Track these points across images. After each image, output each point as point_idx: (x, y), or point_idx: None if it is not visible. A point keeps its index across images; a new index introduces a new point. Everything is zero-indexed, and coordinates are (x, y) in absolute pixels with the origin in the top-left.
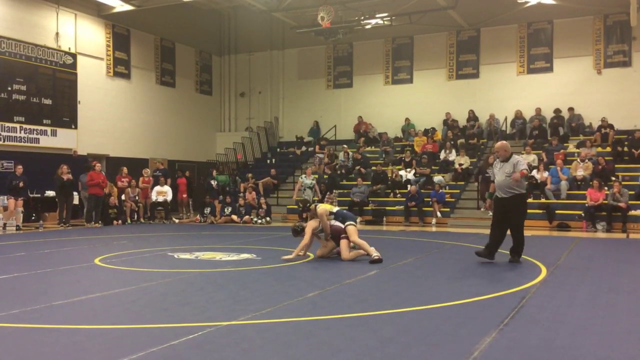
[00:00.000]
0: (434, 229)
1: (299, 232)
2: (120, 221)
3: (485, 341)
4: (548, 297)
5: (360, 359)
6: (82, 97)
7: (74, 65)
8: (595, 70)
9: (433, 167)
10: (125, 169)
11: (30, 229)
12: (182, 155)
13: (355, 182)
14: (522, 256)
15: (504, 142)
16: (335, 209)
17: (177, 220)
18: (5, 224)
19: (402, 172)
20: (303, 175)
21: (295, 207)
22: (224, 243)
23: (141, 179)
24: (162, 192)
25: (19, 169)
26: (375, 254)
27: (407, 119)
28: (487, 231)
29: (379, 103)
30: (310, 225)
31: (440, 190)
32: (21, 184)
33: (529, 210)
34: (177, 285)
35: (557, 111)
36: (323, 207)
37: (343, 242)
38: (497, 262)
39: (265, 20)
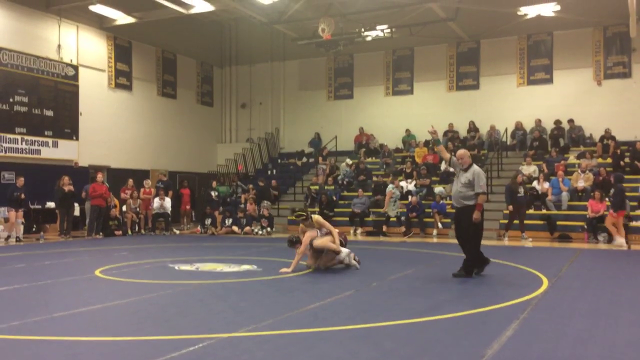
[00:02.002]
0: (435, 240)
1: (294, 242)
2: (121, 232)
3: (487, 353)
4: (550, 308)
5: None
6: (84, 109)
7: (75, 77)
8: (595, 82)
9: (434, 178)
10: (131, 181)
11: (31, 241)
12: (183, 166)
13: (356, 193)
14: (526, 268)
15: (464, 150)
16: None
17: (177, 232)
18: (9, 236)
19: (402, 183)
20: (391, 186)
21: (296, 217)
22: (225, 254)
23: (142, 190)
24: (163, 206)
25: (20, 180)
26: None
27: (407, 130)
28: (488, 242)
29: (379, 114)
30: (308, 235)
31: (441, 201)
32: (22, 196)
33: (530, 222)
34: (178, 297)
35: (558, 122)
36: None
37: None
38: (498, 273)
39: (266, 32)
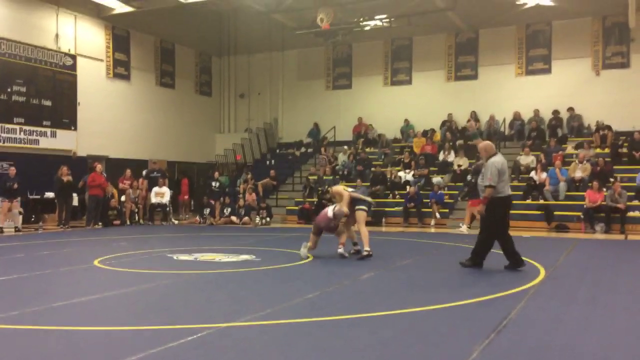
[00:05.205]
0: (432, 230)
1: (325, 193)
2: (119, 222)
3: (484, 342)
4: (547, 298)
5: (359, 359)
6: (82, 99)
7: (73, 67)
8: (593, 72)
9: (432, 169)
10: (129, 171)
11: (30, 231)
12: (181, 156)
13: (354, 184)
14: (523, 258)
15: (485, 142)
16: (350, 189)
17: (176, 222)
18: (1, 228)
19: (401, 173)
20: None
21: (295, 207)
22: (223, 244)
23: (140, 180)
24: (161, 194)
25: (12, 170)
26: (367, 248)
27: (406, 120)
28: None
29: (378, 104)
30: (342, 192)
31: (439, 192)
32: (15, 186)
33: (527, 212)
34: (177, 287)
35: (556, 112)
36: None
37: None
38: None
39: (265, 22)
